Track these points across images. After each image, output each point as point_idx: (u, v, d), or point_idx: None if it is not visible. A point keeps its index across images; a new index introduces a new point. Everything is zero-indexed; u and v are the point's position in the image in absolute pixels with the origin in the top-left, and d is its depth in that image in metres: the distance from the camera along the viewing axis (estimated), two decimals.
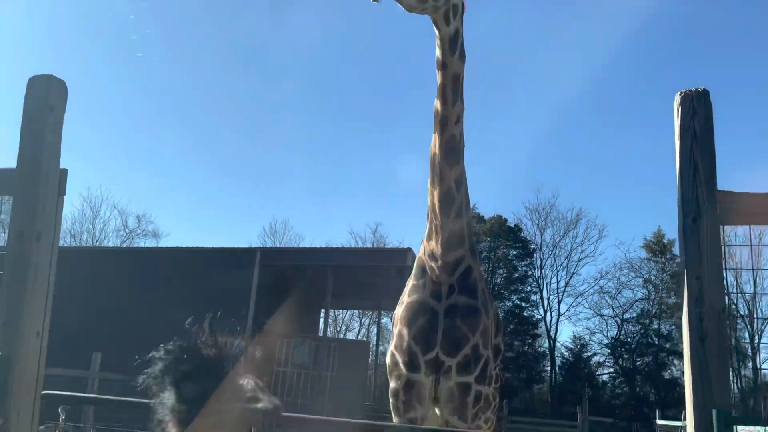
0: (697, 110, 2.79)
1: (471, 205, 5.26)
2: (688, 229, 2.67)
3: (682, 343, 2.71)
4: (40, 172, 2.72)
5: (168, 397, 1.36)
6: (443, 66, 4.46)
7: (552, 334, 43.49)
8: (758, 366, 34.87)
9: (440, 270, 4.68)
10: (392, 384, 4.77)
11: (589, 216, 44.70)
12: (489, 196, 73.20)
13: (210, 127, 61.23)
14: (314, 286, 21.67)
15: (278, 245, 42.41)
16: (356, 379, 18.96)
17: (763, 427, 2.51)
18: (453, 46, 4.44)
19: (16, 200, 2.75)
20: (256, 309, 17.15)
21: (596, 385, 42.01)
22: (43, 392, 2.94)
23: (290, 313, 15.97)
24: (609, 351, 43.37)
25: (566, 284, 44.27)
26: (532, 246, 45.33)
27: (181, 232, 61.03)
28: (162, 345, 1.44)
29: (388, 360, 4.94)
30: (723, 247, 2.68)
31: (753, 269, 2.93)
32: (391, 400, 4.79)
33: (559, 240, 45.00)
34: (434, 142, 4.64)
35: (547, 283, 44.68)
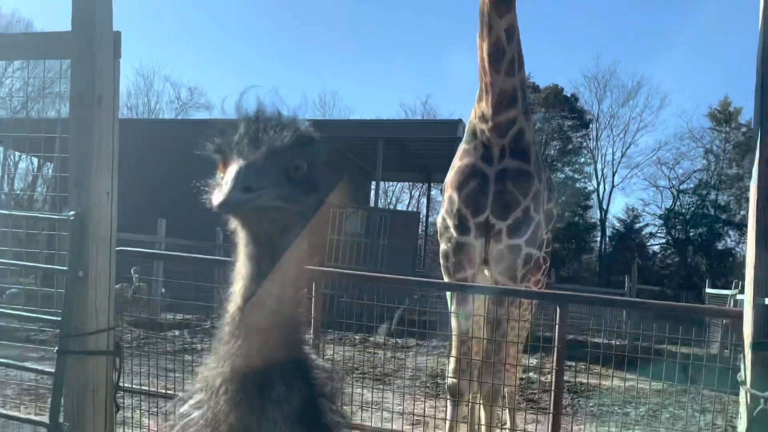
0: None
1: (527, 74, 5.04)
2: None
3: (741, 212, 2.65)
4: (94, 34, 2.74)
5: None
6: None
7: (604, 205, 43.31)
8: None
9: (491, 132, 4.58)
10: (442, 246, 4.90)
11: (650, 84, 42.66)
12: (545, 65, 69.94)
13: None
14: (365, 158, 21.81)
15: (328, 118, 42.37)
16: (407, 247, 19.52)
17: None
18: None
19: (74, 63, 2.80)
20: None
21: (646, 256, 42.16)
22: (117, 249, 3.16)
23: (341, 184, 16.26)
24: (662, 222, 43.05)
25: (622, 155, 43.35)
26: (589, 116, 43.94)
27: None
28: None
29: (438, 224, 5.05)
30: None
31: None
32: (441, 261, 4.94)
33: (618, 110, 43.46)
34: None
35: (602, 155, 43.80)
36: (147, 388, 4.00)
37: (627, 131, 43.24)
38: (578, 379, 8.06)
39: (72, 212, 2.83)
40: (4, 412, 3.19)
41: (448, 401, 4.66)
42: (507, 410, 5.49)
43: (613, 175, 43.45)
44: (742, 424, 2.61)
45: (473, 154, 4.70)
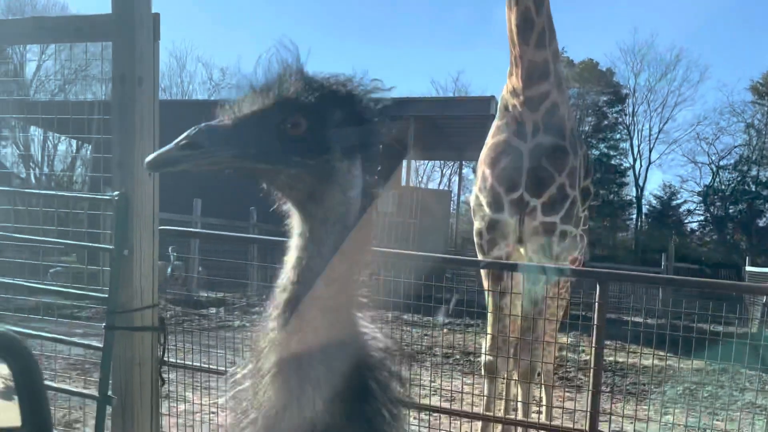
0: None
1: (560, 49, 4.93)
2: None
3: None
4: (134, 16, 2.77)
5: None
6: None
7: (640, 182, 42.47)
8: None
9: (523, 106, 4.50)
10: (476, 224, 4.88)
11: (689, 57, 41.37)
12: (579, 39, 68.28)
13: None
14: (395, 136, 21.72)
15: None
16: (438, 226, 19.50)
17: None
18: None
19: (115, 45, 2.85)
20: None
21: (684, 233, 41.33)
22: (159, 227, 3.23)
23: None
24: (701, 199, 42.07)
25: (659, 131, 42.36)
26: (625, 91, 42.95)
27: None
28: None
29: (472, 202, 5.02)
30: None
31: None
32: (475, 239, 4.92)
33: (655, 84, 42.35)
34: None
35: (638, 130, 42.86)
36: (185, 363, 4.11)
37: (665, 106, 42.21)
38: (613, 358, 8.00)
39: (116, 192, 2.90)
40: (54, 385, 3.32)
41: (485, 378, 4.68)
42: (543, 387, 5.49)
43: (650, 152, 42.59)
44: None
45: (506, 130, 4.64)
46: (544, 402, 5.46)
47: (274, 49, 1.14)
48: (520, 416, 4.48)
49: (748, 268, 17.72)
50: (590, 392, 3.27)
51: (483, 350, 4.81)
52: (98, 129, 3.43)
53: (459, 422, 4.09)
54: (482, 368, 4.74)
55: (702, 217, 42.57)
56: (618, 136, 43.47)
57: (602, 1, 53.66)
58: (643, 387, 7.93)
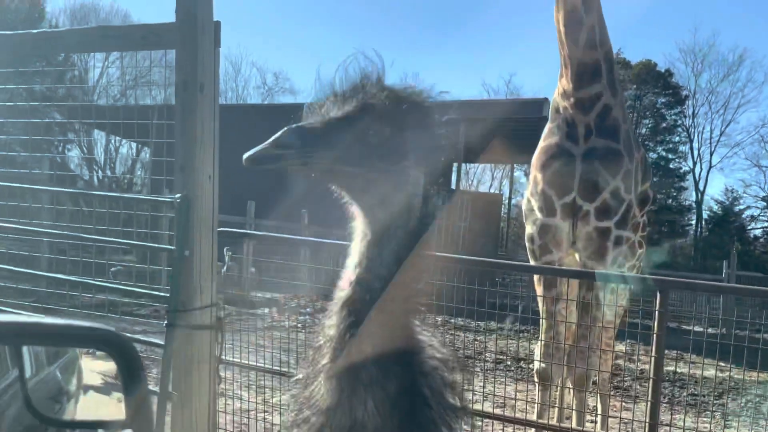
0: None
1: (617, 50, 4.83)
2: None
3: None
4: (197, 24, 2.87)
5: None
6: None
7: (700, 186, 41.02)
8: None
9: (573, 108, 4.41)
10: (528, 229, 4.82)
11: (753, 57, 39.71)
12: (636, 40, 66.47)
13: None
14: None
15: None
16: (489, 230, 19.31)
17: None
18: None
19: (178, 53, 2.95)
20: None
21: (746, 240, 39.62)
22: (218, 229, 3.32)
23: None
24: (765, 204, 40.29)
25: (721, 133, 40.88)
26: (685, 92, 41.57)
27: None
28: None
29: (523, 206, 4.96)
30: None
31: None
32: (527, 245, 4.86)
33: (717, 85, 40.90)
34: None
35: (698, 133, 41.45)
36: (241, 362, 4.19)
37: (727, 107, 40.73)
38: (672, 368, 7.74)
39: (178, 195, 2.99)
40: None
41: (538, 385, 4.60)
42: (598, 396, 5.37)
43: (711, 155, 41.12)
44: None
45: (557, 133, 4.57)
46: (599, 411, 5.34)
47: (355, 57, 1.19)
48: (574, 425, 4.39)
49: None
50: (649, 403, 3.18)
51: (536, 357, 4.74)
52: (158, 133, 3.55)
53: (512, 429, 4.04)
54: (535, 375, 4.66)
55: (766, 224, 40.76)
56: (677, 138, 42.15)
57: (660, 1, 52.12)
58: (703, 399, 7.64)
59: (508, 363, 8.81)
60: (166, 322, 3.03)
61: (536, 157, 4.70)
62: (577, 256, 4.73)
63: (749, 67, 40.09)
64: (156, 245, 3.64)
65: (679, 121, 42.09)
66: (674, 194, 41.69)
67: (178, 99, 2.98)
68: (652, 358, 3.20)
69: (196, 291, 3.03)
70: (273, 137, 1.14)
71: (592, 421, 5.20)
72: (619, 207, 4.49)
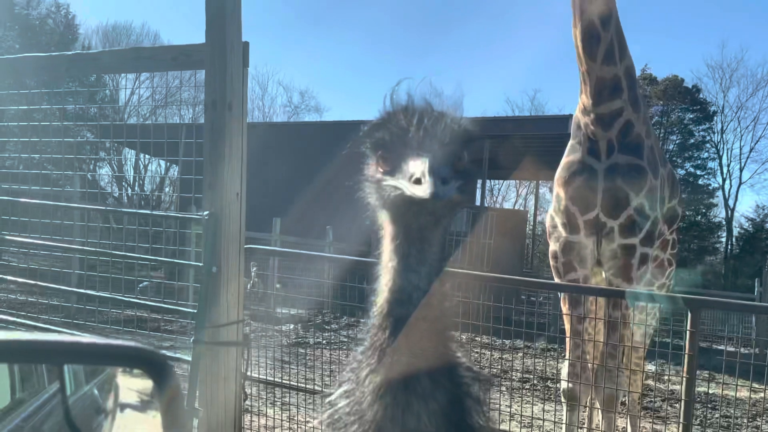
0: None
1: (642, 65, 4.80)
2: None
3: None
4: (226, 45, 2.93)
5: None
6: None
7: (730, 203, 40.25)
8: None
9: (594, 124, 4.37)
10: (552, 246, 4.77)
11: None
12: (663, 55, 66.00)
13: (364, 2, 60.57)
14: (470, 155, 21.56)
15: None
16: (514, 246, 19.13)
17: None
18: None
19: (207, 73, 3.01)
20: None
21: None
22: (245, 246, 3.35)
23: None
24: None
25: (751, 149, 40.19)
26: (713, 108, 41.04)
27: (341, 106, 63.24)
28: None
29: (547, 223, 4.91)
30: None
31: None
32: (551, 262, 4.81)
33: (746, 100, 40.30)
34: None
35: (728, 149, 40.77)
36: (266, 378, 4.20)
37: (757, 123, 40.04)
38: (703, 389, 7.56)
39: (206, 212, 3.03)
40: None
41: (564, 405, 4.53)
42: (628, 418, 5.26)
43: (741, 171, 40.39)
44: None
45: (579, 149, 4.53)
46: None
47: (424, 84, 1.24)
48: None
49: None
50: (681, 425, 3.10)
51: (562, 376, 4.67)
52: (187, 151, 3.62)
53: None
54: (561, 395, 4.59)
55: None
56: (705, 154, 41.52)
57: (687, 16, 51.74)
58: (736, 421, 7.43)
59: (535, 382, 8.68)
60: (193, 338, 3.06)
61: (559, 174, 4.67)
62: (604, 274, 4.66)
63: None
64: (184, 261, 3.69)
65: (708, 137, 41.51)
66: (704, 211, 40.96)
67: (207, 118, 3.03)
68: (684, 379, 3.13)
69: (223, 307, 3.06)
70: (429, 171, 1.10)
71: None
72: (643, 224, 4.43)
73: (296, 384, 4.00)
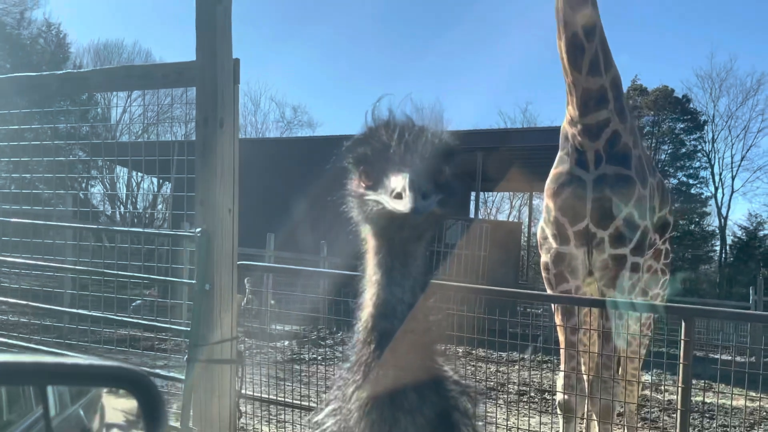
0: None
1: (632, 76, 4.84)
2: None
3: None
4: (216, 62, 2.94)
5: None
6: None
7: (723, 212, 40.46)
8: None
9: (581, 135, 4.40)
10: (543, 257, 4.78)
11: None
12: (653, 66, 66.68)
13: (355, 15, 61.07)
14: (463, 168, 21.69)
15: None
16: (509, 258, 19.15)
17: None
18: None
19: (198, 90, 3.02)
20: None
21: None
22: (238, 263, 3.34)
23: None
24: None
25: (742, 158, 40.44)
26: (703, 118, 41.35)
27: (334, 120, 63.53)
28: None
29: (538, 234, 4.93)
30: None
31: None
32: (543, 274, 4.82)
33: (736, 109, 40.64)
34: None
35: (719, 158, 41.03)
36: (261, 396, 4.17)
37: (747, 132, 40.36)
38: (700, 398, 7.54)
39: (198, 229, 3.03)
40: None
41: (560, 417, 4.51)
42: (625, 429, 5.24)
43: (733, 180, 40.61)
44: None
45: (567, 160, 4.56)
46: None
47: (407, 99, 1.25)
48: None
49: None
50: None
51: (557, 388, 4.65)
52: (179, 168, 3.61)
53: None
54: (557, 407, 4.57)
55: None
56: (697, 164, 41.74)
57: (676, 27, 52.35)
58: (734, 430, 7.41)
59: (532, 395, 8.65)
60: (186, 356, 3.04)
61: (548, 185, 4.69)
62: (596, 284, 4.67)
63: None
64: (177, 279, 3.67)
65: (699, 147, 41.77)
66: (697, 220, 41.12)
67: (199, 134, 3.03)
68: (679, 389, 3.13)
69: (216, 324, 3.04)
70: (410, 186, 1.10)
71: None
72: (633, 233, 4.45)
73: (291, 401, 3.97)
